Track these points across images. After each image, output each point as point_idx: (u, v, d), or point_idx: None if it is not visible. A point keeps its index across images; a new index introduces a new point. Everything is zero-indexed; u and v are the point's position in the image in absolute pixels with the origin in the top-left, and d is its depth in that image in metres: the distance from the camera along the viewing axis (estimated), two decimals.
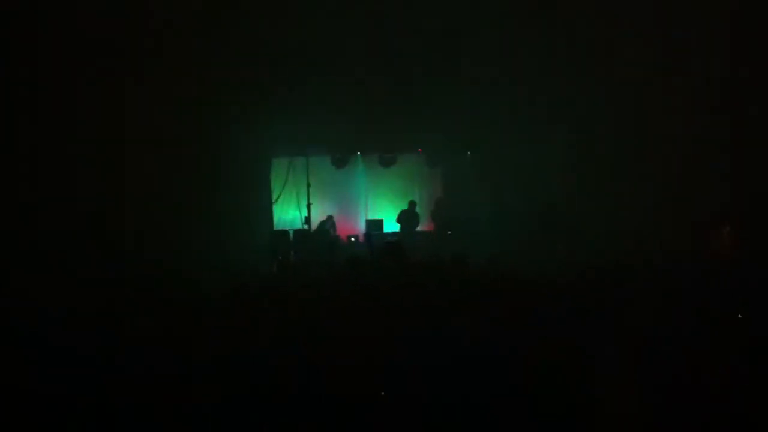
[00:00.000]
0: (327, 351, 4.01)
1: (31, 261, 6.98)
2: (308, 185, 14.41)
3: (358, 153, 15.00)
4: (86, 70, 8.91)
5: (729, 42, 9.15)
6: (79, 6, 8.86)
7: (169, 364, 3.99)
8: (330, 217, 14.51)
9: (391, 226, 14.31)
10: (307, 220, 14.38)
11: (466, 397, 3.72)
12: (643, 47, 9.71)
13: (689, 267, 5.86)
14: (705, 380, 3.38)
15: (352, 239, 14.27)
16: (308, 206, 14.43)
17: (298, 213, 14.59)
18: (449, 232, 13.55)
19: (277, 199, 14.44)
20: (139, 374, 3.92)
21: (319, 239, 13.66)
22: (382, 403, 3.73)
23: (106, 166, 9.60)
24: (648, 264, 5.91)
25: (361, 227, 14.87)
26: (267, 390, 3.80)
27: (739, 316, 3.88)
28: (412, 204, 14.26)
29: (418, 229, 14.22)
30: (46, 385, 3.83)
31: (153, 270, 7.10)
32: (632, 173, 10.80)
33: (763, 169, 8.96)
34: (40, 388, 3.80)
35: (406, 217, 13.99)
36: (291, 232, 13.92)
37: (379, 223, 14.47)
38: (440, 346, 4.05)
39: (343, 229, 14.62)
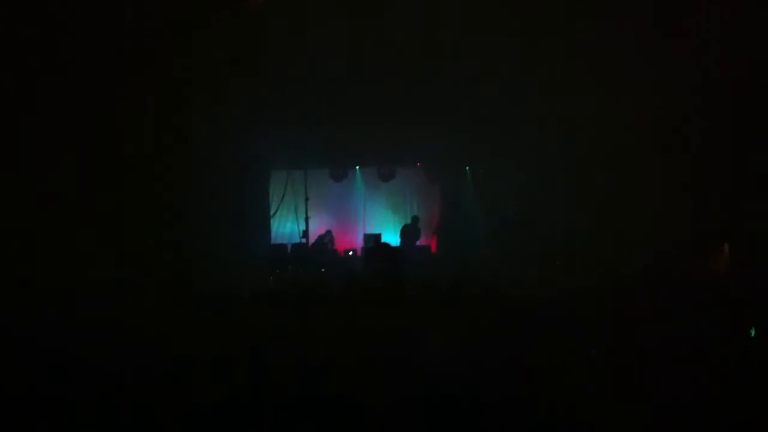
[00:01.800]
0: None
1: (31, 261, 6.95)
2: (306, 199, 14.43)
3: (357, 167, 15.06)
4: (84, 73, 8.86)
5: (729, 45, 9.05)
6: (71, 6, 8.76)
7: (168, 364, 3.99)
8: (329, 232, 14.50)
9: (389, 240, 14.30)
10: (305, 233, 14.38)
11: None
12: (641, 53, 9.69)
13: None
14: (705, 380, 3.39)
15: (350, 253, 14.27)
16: (306, 220, 14.43)
17: (296, 226, 14.58)
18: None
19: (276, 212, 14.45)
20: (139, 374, 3.92)
21: (317, 253, 13.66)
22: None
23: (101, 171, 9.51)
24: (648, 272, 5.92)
25: (359, 241, 14.86)
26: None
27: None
28: (415, 219, 14.33)
29: (418, 243, 14.24)
30: (46, 385, 3.82)
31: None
32: (631, 181, 10.75)
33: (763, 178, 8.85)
34: (40, 388, 3.79)
35: (408, 232, 14.03)
36: (289, 246, 13.91)
37: (377, 238, 14.46)
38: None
39: (341, 244, 14.63)
